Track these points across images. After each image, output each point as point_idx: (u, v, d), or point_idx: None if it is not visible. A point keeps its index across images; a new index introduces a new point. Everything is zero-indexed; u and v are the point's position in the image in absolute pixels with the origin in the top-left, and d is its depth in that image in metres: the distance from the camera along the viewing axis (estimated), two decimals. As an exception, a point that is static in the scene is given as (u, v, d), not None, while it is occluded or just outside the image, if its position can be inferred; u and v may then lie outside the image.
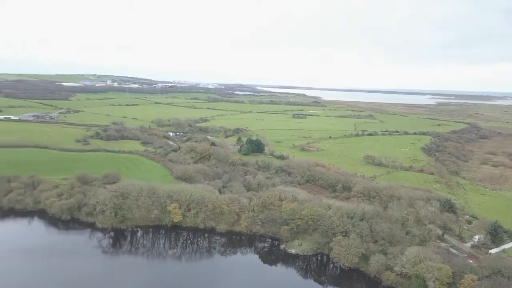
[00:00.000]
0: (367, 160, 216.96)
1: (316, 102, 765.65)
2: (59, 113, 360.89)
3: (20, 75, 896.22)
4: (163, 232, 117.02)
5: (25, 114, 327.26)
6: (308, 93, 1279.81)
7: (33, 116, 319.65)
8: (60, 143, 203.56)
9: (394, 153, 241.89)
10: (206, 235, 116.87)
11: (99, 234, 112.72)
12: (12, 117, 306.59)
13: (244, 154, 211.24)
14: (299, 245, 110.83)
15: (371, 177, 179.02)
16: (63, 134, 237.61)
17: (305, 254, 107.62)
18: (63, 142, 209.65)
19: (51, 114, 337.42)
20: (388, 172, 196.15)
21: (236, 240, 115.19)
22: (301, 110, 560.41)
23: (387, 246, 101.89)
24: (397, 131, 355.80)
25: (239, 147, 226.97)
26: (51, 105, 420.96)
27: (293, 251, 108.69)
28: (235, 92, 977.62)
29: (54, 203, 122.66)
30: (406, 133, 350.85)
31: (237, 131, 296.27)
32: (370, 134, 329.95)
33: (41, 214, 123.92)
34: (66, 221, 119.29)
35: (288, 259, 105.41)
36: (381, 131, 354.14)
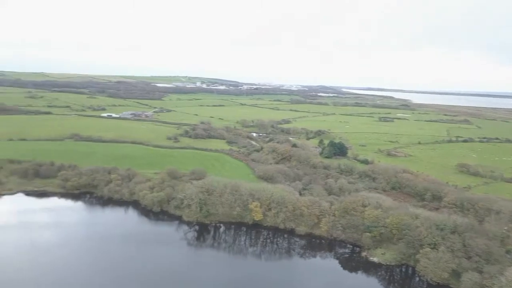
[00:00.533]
0: (460, 168, 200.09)
1: (405, 105, 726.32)
2: (153, 112, 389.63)
3: (121, 76, 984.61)
4: (244, 229, 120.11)
5: (124, 112, 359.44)
6: (396, 95, 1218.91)
7: (131, 114, 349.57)
8: (153, 140, 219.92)
9: (493, 163, 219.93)
10: (285, 235, 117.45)
11: (185, 227, 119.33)
12: (114, 115, 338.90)
13: (326, 157, 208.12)
14: (382, 254, 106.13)
15: (465, 188, 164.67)
16: (156, 132, 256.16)
17: (388, 264, 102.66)
18: (156, 139, 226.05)
19: (146, 113, 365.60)
20: (486, 183, 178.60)
21: (315, 244, 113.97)
22: (388, 113, 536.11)
23: (483, 264, 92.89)
24: (497, 139, 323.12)
25: (320, 149, 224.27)
26: (147, 105, 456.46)
27: (375, 259, 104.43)
28: (319, 94, 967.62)
29: (147, 195, 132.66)
30: (509, 141, 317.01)
31: (319, 133, 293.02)
32: (465, 141, 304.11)
33: (135, 204, 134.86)
34: (157, 213, 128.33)
35: (369, 268, 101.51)
36: (478, 138, 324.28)
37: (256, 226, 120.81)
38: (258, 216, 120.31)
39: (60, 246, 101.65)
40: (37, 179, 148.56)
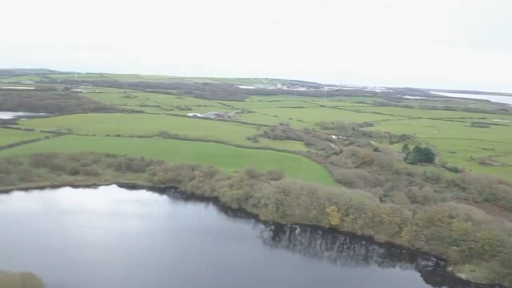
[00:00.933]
0: None
1: (503, 110, 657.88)
2: (235, 112, 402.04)
3: (207, 78, 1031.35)
4: (320, 233, 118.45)
5: (208, 112, 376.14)
6: (492, 99, 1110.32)
7: (215, 114, 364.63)
8: (234, 140, 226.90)
9: None
10: (363, 242, 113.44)
11: (261, 226, 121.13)
12: (198, 115, 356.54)
13: (410, 163, 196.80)
14: (471, 270, 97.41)
15: None
16: (237, 132, 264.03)
17: (478, 282, 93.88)
18: (237, 139, 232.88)
19: (228, 114, 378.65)
20: None
21: (395, 253, 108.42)
22: (483, 118, 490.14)
23: None
24: None
25: (405, 155, 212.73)
26: (229, 106, 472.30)
27: (462, 276, 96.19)
28: (404, 97, 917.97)
29: (226, 192, 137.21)
30: None
31: (403, 137, 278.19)
32: None
33: (215, 200, 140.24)
34: (235, 210, 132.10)
35: (455, 284, 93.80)
36: None
37: (332, 231, 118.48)
38: (335, 221, 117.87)
39: (146, 235, 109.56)
40: (129, 172, 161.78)
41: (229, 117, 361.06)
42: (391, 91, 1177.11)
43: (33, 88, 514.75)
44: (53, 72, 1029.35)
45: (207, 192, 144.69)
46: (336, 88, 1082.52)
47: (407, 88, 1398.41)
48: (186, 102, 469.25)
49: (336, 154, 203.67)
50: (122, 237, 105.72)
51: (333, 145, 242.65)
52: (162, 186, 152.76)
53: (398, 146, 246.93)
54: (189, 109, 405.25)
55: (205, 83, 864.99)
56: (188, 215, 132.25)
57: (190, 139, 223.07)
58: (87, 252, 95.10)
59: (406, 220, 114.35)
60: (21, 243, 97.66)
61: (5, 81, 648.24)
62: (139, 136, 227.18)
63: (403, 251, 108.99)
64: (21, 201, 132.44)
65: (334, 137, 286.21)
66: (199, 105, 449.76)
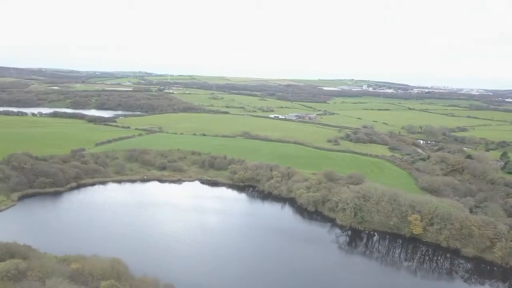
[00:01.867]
0: None
1: None
2: (317, 114, 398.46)
3: (291, 80, 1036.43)
4: (400, 241, 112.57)
5: (290, 114, 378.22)
6: None
7: (296, 116, 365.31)
8: (314, 141, 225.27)
9: None
10: (448, 255, 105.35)
11: (338, 230, 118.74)
12: (280, 116, 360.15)
13: (509, 173, 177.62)
14: None
15: None
16: (317, 134, 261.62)
17: None
18: (317, 140, 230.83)
19: (310, 115, 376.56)
20: None
21: (485, 270, 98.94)
22: None
23: None
24: None
25: (502, 163, 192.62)
26: (311, 107, 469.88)
27: None
28: (506, 100, 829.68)
29: (303, 194, 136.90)
30: None
31: (502, 144, 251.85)
32: None
33: (292, 201, 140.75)
34: (311, 212, 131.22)
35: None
36: None
37: (413, 240, 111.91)
38: (417, 230, 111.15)
39: (224, 230, 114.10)
40: (211, 169, 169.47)
41: (310, 118, 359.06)
42: (491, 93, 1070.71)
43: (131, 89, 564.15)
44: (149, 74, 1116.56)
45: (284, 192, 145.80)
46: (427, 90, 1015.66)
47: (510, 90, 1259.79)
48: (268, 103, 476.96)
49: (423, 160, 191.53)
50: (202, 231, 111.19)
51: (419, 150, 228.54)
52: (242, 184, 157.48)
53: (495, 154, 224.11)
54: (271, 111, 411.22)
55: (287, 85, 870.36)
56: (265, 214, 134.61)
57: (271, 140, 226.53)
58: (169, 242, 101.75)
59: (500, 235, 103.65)
60: (112, 230, 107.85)
61: (108, 83, 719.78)
62: (223, 136, 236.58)
63: (495, 268, 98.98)
64: (115, 192, 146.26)
65: (421, 142, 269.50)
66: (281, 107, 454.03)
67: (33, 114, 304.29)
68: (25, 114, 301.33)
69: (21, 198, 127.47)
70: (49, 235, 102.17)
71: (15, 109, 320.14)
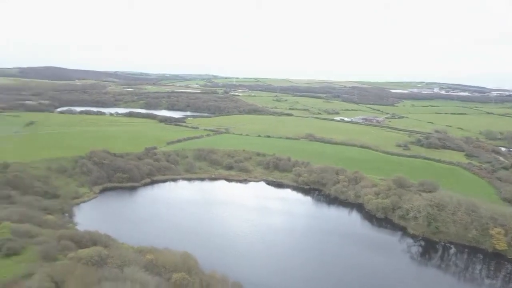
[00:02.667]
0: None
1: None
2: (385, 117, 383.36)
3: (356, 82, 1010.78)
4: (481, 256, 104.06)
5: (356, 117, 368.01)
6: None
7: (362, 119, 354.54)
8: (382, 146, 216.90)
9: None
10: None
11: (409, 240, 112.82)
12: (345, 119, 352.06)
13: None
14: None
15: None
16: (385, 138, 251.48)
17: None
18: (385, 145, 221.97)
19: (377, 118, 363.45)
20: None
21: None
22: None
23: None
24: None
25: None
26: (378, 110, 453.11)
27: None
28: None
29: (371, 200, 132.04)
30: None
31: None
32: None
33: (359, 207, 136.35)
34: (380, 219, 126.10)
35: None
36: None
37: (496, 256, 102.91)
38: (500, 245, 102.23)
39: (290, 231, 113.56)
40: (276, 171, 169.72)
41: (377, 122, 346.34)
42: None
43: (198, 91, 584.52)
44: (216, 77, 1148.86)
45: (351, 197, 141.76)
46: (508, 93, 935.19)
47: None
48: (333, 106, 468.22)
49: (506, 169, 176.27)
50: (268, 231, 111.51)
51: (501, 158, 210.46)
52: (307, 187, 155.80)
53: None
54: (337, 113, 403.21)
55: (353, 87, 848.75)
56: (330, 218, 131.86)
57: (335, 143, 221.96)
58: (236, 241, 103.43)
59: None
60: (182, 225, 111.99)
61: (178, 85, 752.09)
62: (287, 138, 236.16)
63: None
64: (184, 189, 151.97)
65: (503, 149, 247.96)
66: (347, 109, 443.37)
67: (111, 114, 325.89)
68: (104, 113, 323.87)
69: (102, 191, 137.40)
70: (125, 226, 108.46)
71: (95, 109, 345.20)
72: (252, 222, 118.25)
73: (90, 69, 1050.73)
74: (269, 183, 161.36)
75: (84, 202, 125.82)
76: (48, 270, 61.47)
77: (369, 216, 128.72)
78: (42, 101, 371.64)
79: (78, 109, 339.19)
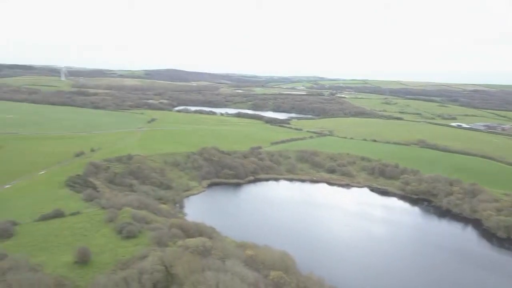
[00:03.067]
0: None
1: None
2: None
3: (478, 85, 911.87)
4: None
5: (476, 123, 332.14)
6: None
7: (484, 126, 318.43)
8: (508, 157, 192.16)
9: None
10: None
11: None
12: (464, 125, 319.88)
13: None
14: None
15: None
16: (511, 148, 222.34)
17: None
18: (511, 156, 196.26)
19: (503, 126, 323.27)
20: None
21: None
22: None
23: None
24: None
25: None
26: (505, 116, 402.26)
27: None
28: None
29: (491, 216, 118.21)
30: None
31: None
32: None
33: (476, 223, 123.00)
34: (502, 239, 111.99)
35: None
36: None
37: None
38: None
39: (392, 241, 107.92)
40: (381, 177, 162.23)
41: (503, 129, 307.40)
42: None
43: (304, 93, 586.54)
44: (322, 79, 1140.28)
45: (466, 212, 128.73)
46: None
47: None
48: (450, 110, 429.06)
49: None
50: (368, 239, 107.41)
51: None
52: (415, 196, 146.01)
53: None
54: (453, 118, 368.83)
55: (474, 90, 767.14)
56: (440, 233, 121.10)
57: (450, 151, 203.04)
58: (335, 245, 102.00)
59: None
60: (281, 224, 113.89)
61: (284, 87, 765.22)
62: (395, 143, 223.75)
63: None
64: (286, 189, 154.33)
65: None
66: (466, 115, 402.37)
67: (221, 114, 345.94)
68: (215, 113, 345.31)
69: (209, 186, 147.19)
70: (228, 220, 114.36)
71: (207, 109, 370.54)
72: (354, 228, 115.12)
73: (204, 71, 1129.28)
74: (373, 189, 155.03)
75: (193, 194, 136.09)
76: (160, 254, 67.88)
77: (488, 234, 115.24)
78: (163, 100, 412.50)
79: (193, 108, 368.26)
